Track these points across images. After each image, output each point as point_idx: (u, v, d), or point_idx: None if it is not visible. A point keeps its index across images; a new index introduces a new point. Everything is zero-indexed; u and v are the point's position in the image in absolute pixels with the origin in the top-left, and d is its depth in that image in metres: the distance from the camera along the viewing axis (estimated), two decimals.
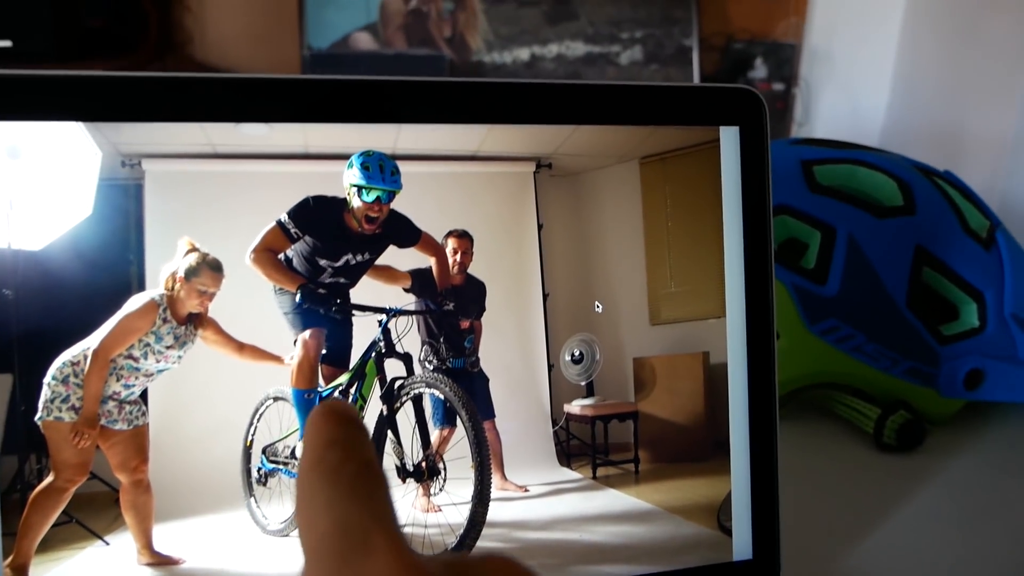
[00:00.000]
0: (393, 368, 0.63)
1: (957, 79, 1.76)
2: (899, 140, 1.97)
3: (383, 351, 0.63)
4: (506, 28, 2.14)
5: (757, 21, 2.22)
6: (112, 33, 1.99)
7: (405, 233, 0.62)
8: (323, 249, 0.61)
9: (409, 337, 0.64)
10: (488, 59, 2.13)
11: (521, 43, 2.15)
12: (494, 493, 0.61)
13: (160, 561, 0.57)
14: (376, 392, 0.63)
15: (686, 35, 2.16)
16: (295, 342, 0.62)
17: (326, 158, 0.58)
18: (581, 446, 0.67)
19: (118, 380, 0.57)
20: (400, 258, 0.63)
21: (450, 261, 0.64)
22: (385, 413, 0.63)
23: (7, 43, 1.62)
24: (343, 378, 0.63)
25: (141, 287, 0.57)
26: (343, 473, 0.27)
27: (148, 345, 0.58)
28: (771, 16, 2.23)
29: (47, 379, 0.55)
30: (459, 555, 0.26)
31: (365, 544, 0.24)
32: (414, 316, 0.63)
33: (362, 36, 2.14)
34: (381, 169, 0.58)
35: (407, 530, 0.60)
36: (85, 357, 0.56)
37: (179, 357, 0.59)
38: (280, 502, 0.61)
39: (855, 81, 2.17)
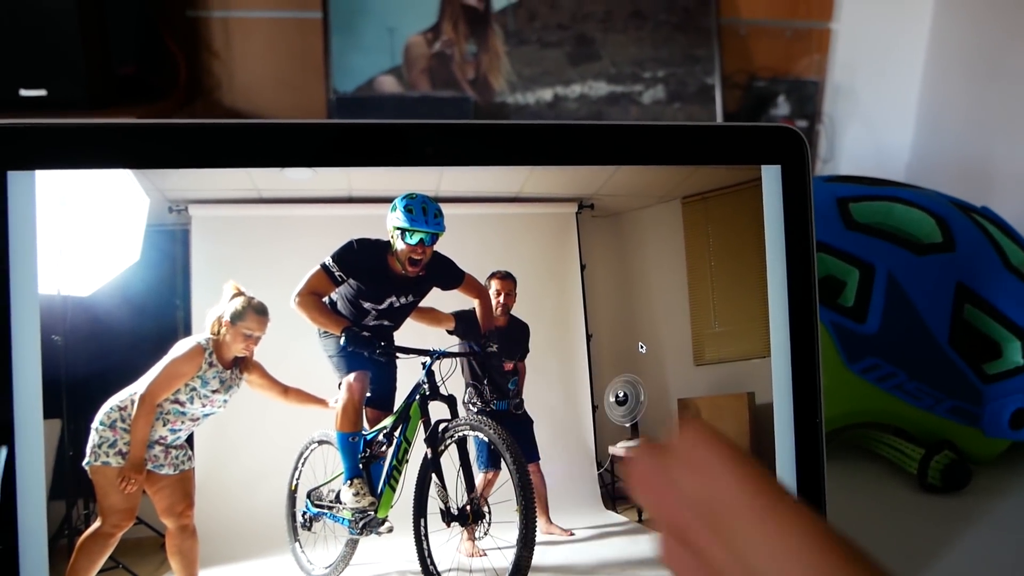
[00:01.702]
0: (437, 411, 0.63)
1: (983, 113, 1.75)
2: (925, 175, 1.96)
3: (427, 393, 0.63)
4: (529, 69, 2.16)
5: (779, 58, 2.23)
6: (142, 80, 2.02)
7: (448, 275, 0.62)
8: (367, 292, 0.61)
9: (453, 379, 0.63)
10: (511, 100, 2.15)
11: (544, 84, 2.16)
12: (539, 537, 0.60)
13: None
14: (420, 435, 0.63)
15: (708, 73, 2.16)
16: (340, 385, 0.62)
17: (370, 201, 0.59)
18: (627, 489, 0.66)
19: (164, 425, 0.57)
20: (444, 300, 0.63)
21: (493, 303, 0.63)
22: (429, 456, 0.62)
23: (42, 92, 1.65)
24: (387, 421, 0.63)
25: (187, 332, 0.57)
26: (732, 445, 0.32)
27: (194, 389, 0.58)
28: (793, 53, 2.23)
29: (95, 424, 0.55)
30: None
31: (778, 505, 0.30)
32: (458, 358, 0.63)
33: (387, 79, 2.16)
34: (424, 212, 0.58)
35: (452, 575, 0.60)
36: (132, 402, 0.56)
37: (225, 401, 0.59)
38: (325, 546, 0.61)
39: (879, 117, 2.16)
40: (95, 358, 0.54)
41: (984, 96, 1.76)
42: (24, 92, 1.64)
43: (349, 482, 0.62)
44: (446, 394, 0.63)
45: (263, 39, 2.19)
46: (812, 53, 2.24)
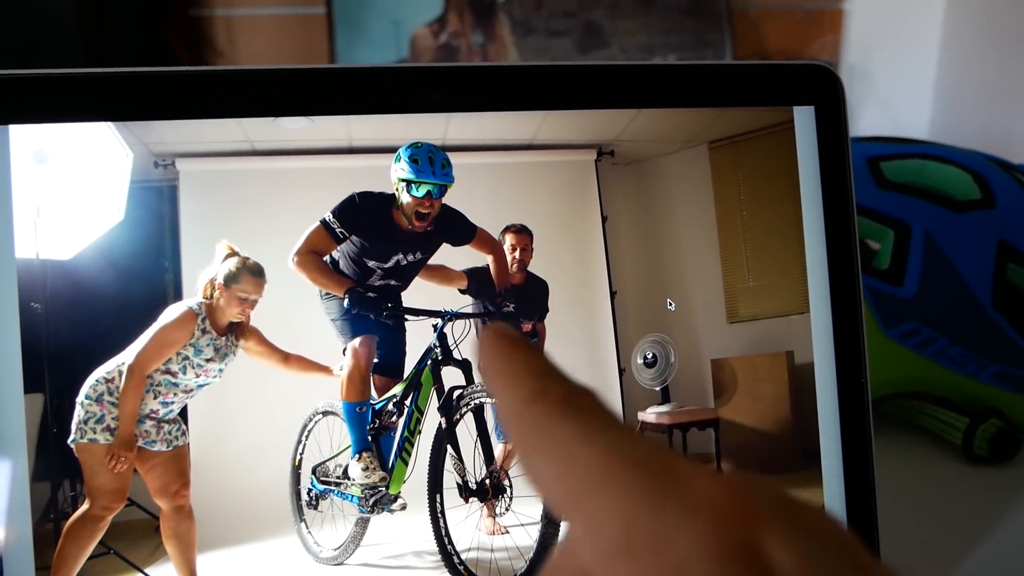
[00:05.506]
0: (451, 377, 0.59)
1: (1003, 93, 1.71)
2: None
3: (439, 358, 0.59)
4: (537, 58, 2.13)
5: (791, 40, 2.19)
6: None
7: (459, 230, 0.58)
8: (371, 249, 0.58)
9: (467, 342, 0.60)
10: None
11: None
12: None
13: None
14: (433, 403, 0.59)
15: (719, 58, 2.13)
16: (344, 351, 0.58)
17: (372, 151, 0.55)
18: None
19: (155, 397, 0.54)
20: (455, 257, 0.60)
21: (508, 259, 0.60)
22: (444, 426, 0.59)
23: None
24: (397, 388, 0.59)
25: (178, 296, 0.54)
26: (576, 403, 0.23)
27: (187, 358, 0.54)
28: (806, 35, 2.19)
29: (80, 398, 0.51)
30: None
31: (671, 472, 0.21)
32: (472, 319, 0.59)
33: None
34: (431, 162, 0.55)
35: (472, 555, 0.56)
36: (120, 373, 0.52)
37: (220, 371, 0.55)
38: (333, 526, 0.58)
39: (896, 98, 2.12)
40: (78, 327, 0.51)
41: (1004, 74, 1.71)
42: None
43: (357, 456, 0.58)
44: (460, 358, 0.59)
45: (267, 37, 2.16)
46: (825, 34, 2.20)
